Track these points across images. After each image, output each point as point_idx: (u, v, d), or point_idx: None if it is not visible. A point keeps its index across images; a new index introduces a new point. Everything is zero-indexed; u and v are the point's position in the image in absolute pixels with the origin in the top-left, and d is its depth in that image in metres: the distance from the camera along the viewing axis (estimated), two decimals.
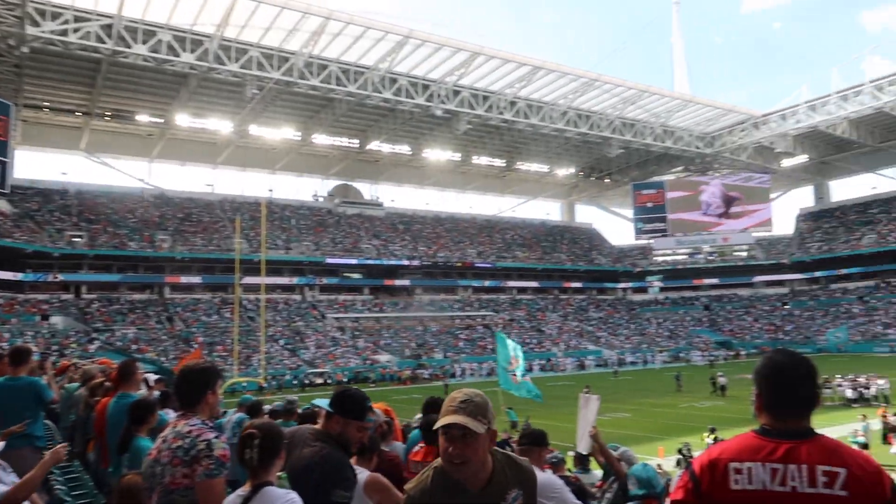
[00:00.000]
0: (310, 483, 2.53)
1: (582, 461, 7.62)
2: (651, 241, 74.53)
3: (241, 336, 42.09)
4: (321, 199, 68.03)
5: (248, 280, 46.08)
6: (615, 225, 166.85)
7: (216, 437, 2.60)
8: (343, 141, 62.36)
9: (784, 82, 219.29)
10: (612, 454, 4.97)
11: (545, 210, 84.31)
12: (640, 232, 74.05)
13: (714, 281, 73.02)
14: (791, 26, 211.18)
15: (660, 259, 75.46)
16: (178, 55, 39.67)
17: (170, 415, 4.29)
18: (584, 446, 5.13)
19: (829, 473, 1.73)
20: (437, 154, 63.72)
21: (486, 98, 50.88)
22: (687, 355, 57.68)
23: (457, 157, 66.50)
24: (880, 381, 27.08)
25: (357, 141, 62.06)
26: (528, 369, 47.36)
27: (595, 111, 55.90)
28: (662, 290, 74.65)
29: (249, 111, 51.32)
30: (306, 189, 70.75)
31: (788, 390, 1.87)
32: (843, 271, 67.17)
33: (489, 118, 52.11)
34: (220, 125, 54.62)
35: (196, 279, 52.39)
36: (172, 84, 47.57)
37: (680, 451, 14.45)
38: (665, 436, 18.59)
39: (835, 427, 20.10)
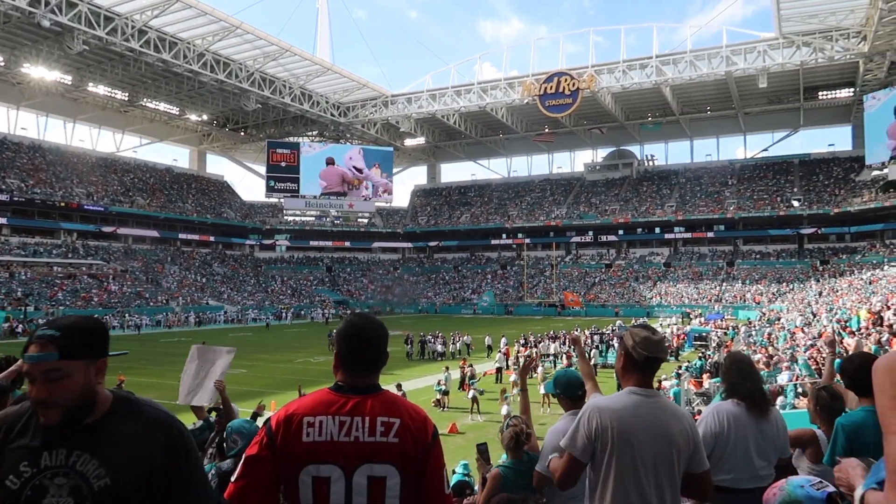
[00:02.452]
0: None
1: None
2: (282, 199, 75.39)
3: None
4: None
5: None
6: (247, 180, 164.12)
7: None
8: None
9: (413, 68, 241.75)
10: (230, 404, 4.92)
11: (172, 155, 78.64)
12: (270, 190, 74.21)
13: (337, 244, 77.55)
14: (425, 18, 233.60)
15: (289, 219, 76.98)
16: None
17: None
18: (206, 398, 4.99)
19: (385, 423, 1.96)
20: (42, 72, 53.60)
21: (109, 19, 44.63)
22: (309, 312, 60.57)
23: (67, 79, 56.97)
24: (465, 338, 32.16)
25: None
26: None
27: (235, 59, 53.67)
28: (289, 249, 76.42)
29: None
30: None
31: (360, 350, 2.04)
32: (445, 243, 77.92)
33: (112, 43, 45.92)
34: None
35: None
36: None
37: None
38: (279, 390, 19.18)
39: (427, 377, 23.32)
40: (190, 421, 4.82)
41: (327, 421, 1.94)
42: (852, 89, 57.30)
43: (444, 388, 18.84)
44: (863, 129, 55.04)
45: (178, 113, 68.58)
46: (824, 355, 10.48)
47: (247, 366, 25.31)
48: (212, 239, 69.99)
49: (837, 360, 4.16)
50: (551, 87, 58.17)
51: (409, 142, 78.48)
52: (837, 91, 59.88)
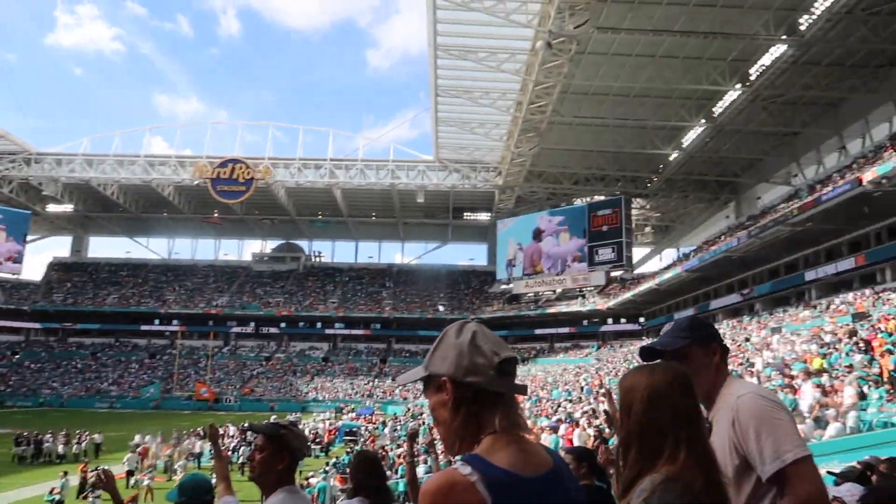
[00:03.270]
0: None
1: None
2: None
3: None
4: None
5: None
6: None
7: None
8: None
9: (70, 127, 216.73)
10: None
11: None
12: None
13: None
14: (93, 78, 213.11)
15: None
16: None
17: None
18: None
19: None
20: None
21: None
22: None
23: None
24: (95, 436, 27.94)
25: None
26: None
27: None
28: None
29: None
30: None
31: None
32: (84, 326, 68.35)
33: None
34: None
35: None
36: None
37: None
38: None
39: (39, 484, 19.51)
40: None
41: None
42: (489, 214, 67.62)
43: (57, 496, 15.97)
44: (496, 248, 64.92)
45: None
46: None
47: None
48: None
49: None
50: (225, 173, 57.26)
51: (52, 207, 68.76)
52: (479, 214, 70.10)
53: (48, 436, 27.45)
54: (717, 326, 43.87)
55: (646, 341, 50.99)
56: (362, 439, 29.57)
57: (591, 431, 15.48)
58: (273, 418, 33.94)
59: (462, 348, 1.53)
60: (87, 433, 28.25)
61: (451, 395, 1.52)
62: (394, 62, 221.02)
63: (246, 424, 31.62)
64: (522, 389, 1.60)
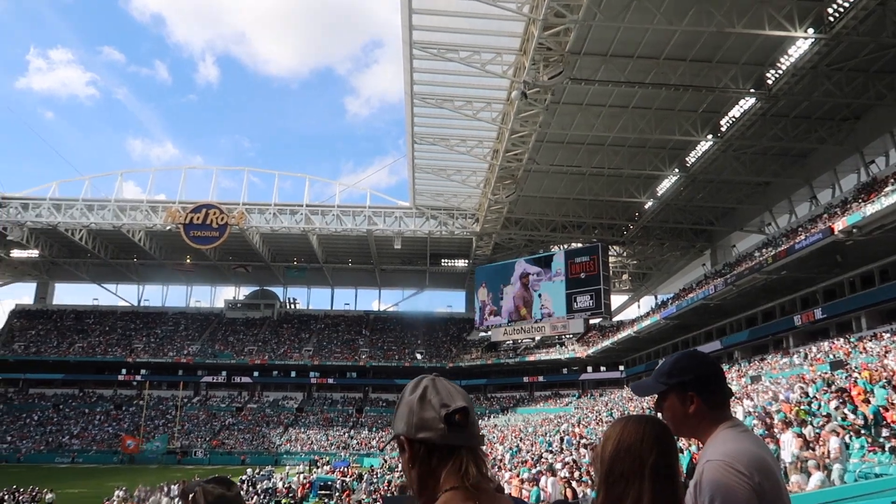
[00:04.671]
0: None
1: None
2: None
3: None
4: None
5: None
6: None
7: None
8: None
9: (38, 172, 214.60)
10: None
11: None
12: None
13: None
14: (64, 123, 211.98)
15: None
16: None
17: None
18: None
19: None
20: None
21: None
22: None
23: None
24: (48, 494, 26.88)
25: None
26: None
27: None
28: None
29: None
30: None
31: None
32: (46, 376, 66.44)
33: None
34: None
35: None
36: None
37: None
38: None
39: None
40: None
41: None
42: (467, 260, 67.84)
43: None
44: (474, 295, 64.93)
45: None
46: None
47: None
48: None
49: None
50: (198, 218, 56.94)
51: (17, 253, 67.53)
52: (456, 260, 70.27)
53: (3, 493, 26.37)
54: None
55: (626, 390, 51.12)
56: (337, 493, 28.87)
57: (573, 484, 15.32)
58: (249, 471, 33.02)
59: (412, 405, 1.54)
60: (39, 490, 27.13)
61: (407, 454, 1.54)
62: (373, 109, 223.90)
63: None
64: (476, 441, 1.56)
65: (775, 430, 14.54)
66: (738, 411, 20.08)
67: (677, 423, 2.07)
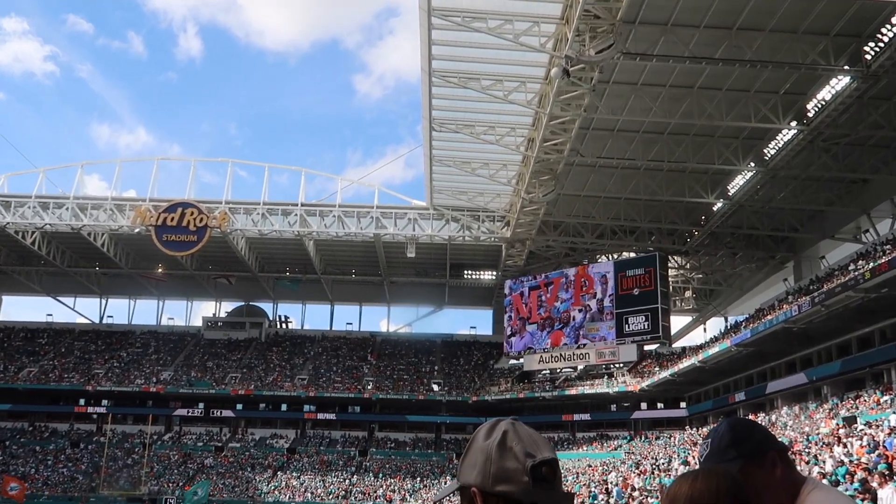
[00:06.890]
0: None
1: None
2: None
3: None
4: None
5: None
6: None
7: None
8: None
9: None
10: None
11: None
12: None
13: None
14: (14, 106, 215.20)
15: None
16: None
17: None
18: None
19: None
20: None
21: None
22: None
23: None
24: None
25: None
26: None
27: None
28: None
29: None
30: None
31: None
32: None
33: None
34: None
35: None
36: None
37: None
38: None
39: None
40: None
41: None
42: (494, 272, 67.88)
43: None
44: (503, 314, 64.88)
45: None
46: None
47: None
48: None
49: None
50: (173, 219, 57.56)
51: None
52: (481, 272, 70.36)
53: None
54: (776, 414, 43.70)
55: (689, 431, 50.79)
56: None
57: None
58: None
59: (490, 452, 1.55)
60: None
61: None
62: (386, 90, 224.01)
63: None
64: (567, 499, 1.60)
65: (873, 482, 14.45)
66: (827, 461, 19.94)
67: (762, 497, 2.08)
